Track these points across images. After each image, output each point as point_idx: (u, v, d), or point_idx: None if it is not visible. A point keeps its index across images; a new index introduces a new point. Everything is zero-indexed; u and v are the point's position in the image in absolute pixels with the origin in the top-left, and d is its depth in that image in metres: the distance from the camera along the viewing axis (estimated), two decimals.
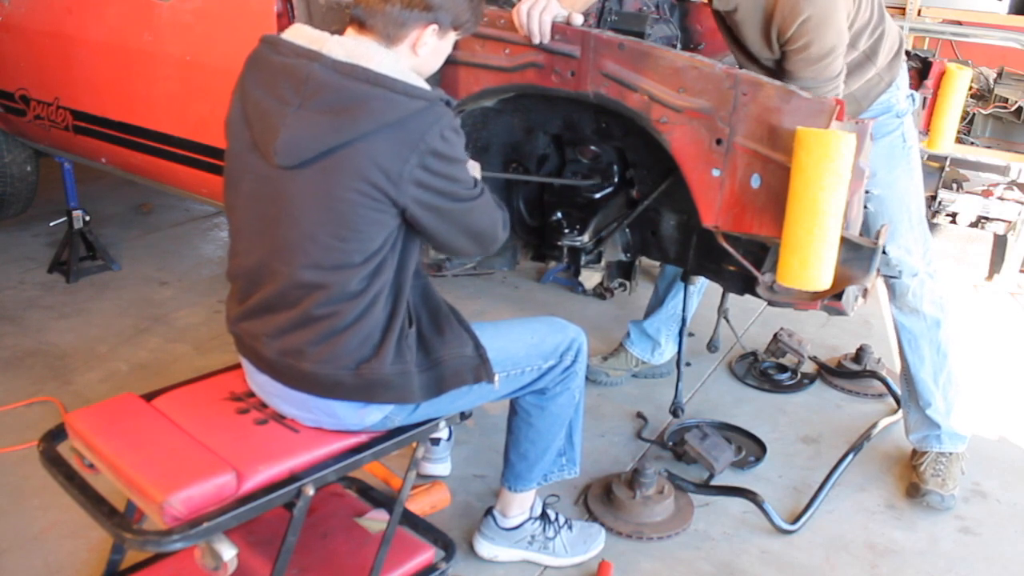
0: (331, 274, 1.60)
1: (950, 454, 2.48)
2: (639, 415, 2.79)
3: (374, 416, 1.70)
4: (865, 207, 2.23)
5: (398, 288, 1.67)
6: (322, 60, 1.56)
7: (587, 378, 2.36)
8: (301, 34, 1.62)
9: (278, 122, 1.56)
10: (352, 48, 1.58)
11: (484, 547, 2.14)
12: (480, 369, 1.77)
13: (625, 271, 2.66)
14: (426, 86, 1.61)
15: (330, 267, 1.59)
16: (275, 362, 1.68)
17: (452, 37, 1.72)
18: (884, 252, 2.27)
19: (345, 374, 1.64)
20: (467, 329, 1.79)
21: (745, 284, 2.22)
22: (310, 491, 1.59)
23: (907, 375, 2.51)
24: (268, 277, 1.66)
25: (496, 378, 1.80)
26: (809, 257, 1.63)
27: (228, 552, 1.49)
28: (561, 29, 1.92)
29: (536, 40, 1.91)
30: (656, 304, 2.91)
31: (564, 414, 2.01)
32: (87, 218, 3.64)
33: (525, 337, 1.91)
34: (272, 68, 1.60)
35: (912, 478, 2.50)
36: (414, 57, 1.66)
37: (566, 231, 2.40)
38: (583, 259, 2.46)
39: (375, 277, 1.62)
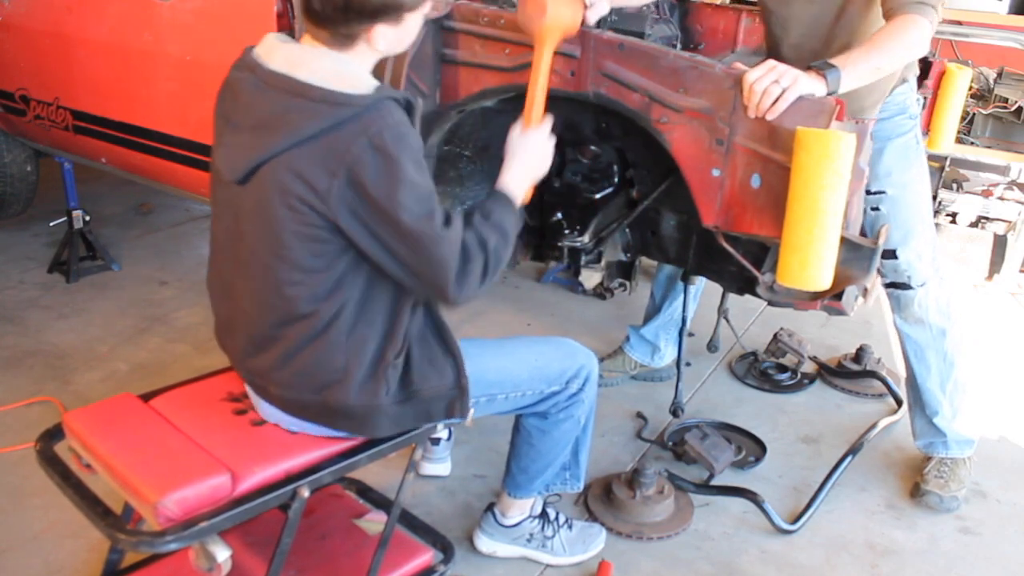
0: (275, 296, 1.57)
1: (955, 459, 2.48)
2: (639, 415, 2.79)
3: None
4: (876, 209, 2.23)
5: (370, 313, 1.60)
6: (257, 72, 1.51)
7: None
8: (264, 43, 1.56)
9: (219, 139, 1.58)
10: (292, 56, 1.50)
11: (483, 542, 2.14)
12: (455, 404, 1.69)
13: (625, 271, 2.65)
14: (365, 88, 1.48)
15: (273, 288, 1.56)
16: (249, 381, 1.70)
17: (413, 18, 1.56)
18: (895, 257, 2.27)
19: (310, 397, 1.62)
20: (453, 353, 1.70)
21: (745, 284, 2.22)
22: (305, 493, 1.59)
23: (912, 383, 2.49)
24: (231, 293, 1.66)
25: (470, 414, 1.72)
26: (809, 257, 1.63)
27: (222, 553, 1.49)
28: None
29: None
30: (653, 311, 2.91)
31: (567, 438, 1.98)
32: (87, 218, 3.64)
33: (529, 359, 1.85)
34: (227, 82, 1.59)
35: (916, 478, 2.50)
36: (376, 53, 1.55)
37: (566, 231, 2.40)
38: (583, 259, 2.46)
39: (327, 299, 1.56)
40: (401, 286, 1.60)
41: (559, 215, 2.41)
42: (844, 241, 1.67)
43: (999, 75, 4.40)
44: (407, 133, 1.48)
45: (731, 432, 2.70)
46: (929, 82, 2.59)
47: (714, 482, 2.45)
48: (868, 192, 2.22)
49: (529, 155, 1.75)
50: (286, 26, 2.38)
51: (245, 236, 1.58)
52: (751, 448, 2.65)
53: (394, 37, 1.55)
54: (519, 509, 2.11)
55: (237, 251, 1.61)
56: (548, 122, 1.80)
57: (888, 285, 2.36)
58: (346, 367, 1.60)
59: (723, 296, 2.86)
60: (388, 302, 1.62)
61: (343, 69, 1.50)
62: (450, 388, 1.69)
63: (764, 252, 1.91)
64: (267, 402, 1.68)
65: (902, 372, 3.13)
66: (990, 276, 4.05)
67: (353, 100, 1.46)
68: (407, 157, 1.47)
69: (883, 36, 1.85)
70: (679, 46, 2.84)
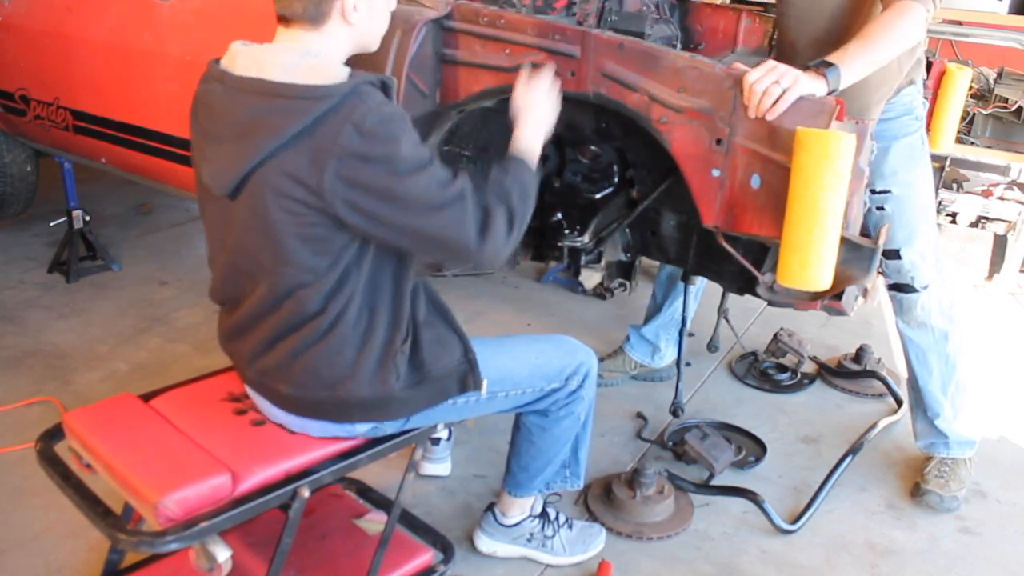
0: (283, 298, 1.57)
1: (956, 459, 2.48)
2: (639, 415, 2.79)
3: (362, 427, 1.69)
4: (881, 208, 2.23)
5: (374, 303, 1.61)
6: (227, 80, 1.51)
7: None
8: (228, 52, 1.55)
9: (201, 156, 1.57)
10: (258, 58, 1.50)
11: (483, 542, 2.14)
12: (468, 377, 1.72)
13: (625, 271, 2.65)
14: (340, 76, 1.48)
15: (281, 292, 1.57)
16: (257, 383, 1.69)
17: None
18: (899, 257, 2.26)
19: (323, 395, 1.62)
20: (456, 331, 1.73)
21: (745, 284, 2.22)
22: (305, 493, 1.59)
23: (914, 385, 2.48)
24: (234, 301, 1.67)
25: (484, 384, 1.74)
26: (809, 257, 1.63)
27: (223, 554, 1.49)
28: (561, 29, 1.92)
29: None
30: (654, 311, 2.91)
31: (567, 435, 1.99)
32: (87, 218, 3.64)
33: (529, 356, 1.86)
34: (198, 97, 1.59)
35: (916, 478, 2.49)
36: (350, 28, 1.54)
37: (566, 231, 2.39)
38: (583, 259, 2.46)
39: (335, 295, 1.56)
40: (399, 271, 1.61)
41: (559, 215, 2.41)
42: (844, 241, 1.67)
43: (999, 75, 4.39)
44: (391, 112, 1.48)
45: (731, 432, 2.70)
46: (929, 82, 2.59)
47: (714, 482, 2.45)
48: (873, 191, 2.22)
49: (536, 109, 1.77)
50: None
51: (246, 249, 1.58)
52: (751, 448, 2.65)
53: (366, 10, 1.55)
54: (519, 508, 2.12)
55: (239, 265, 1.62)
56: (548, 70, 1.81)
57: (891, 287, 2.35)
58: (356, 360, 1.60)
59: (723, 296, 2.86)
60: (390, 289, 1.62)
61: (314, 61, 1.49)
62: (460, 363, 1.71)
63: (764, 252, 1.91)
64: (276, 405, 1.68)
65: (902, 372, 3.14)
66: (990, 276, 4.05)
67: (331, 90, 1.44)
68: (397, 134, 1.47)
69: (878, 27, 1.84)
70: (679, 46, 2.84)
